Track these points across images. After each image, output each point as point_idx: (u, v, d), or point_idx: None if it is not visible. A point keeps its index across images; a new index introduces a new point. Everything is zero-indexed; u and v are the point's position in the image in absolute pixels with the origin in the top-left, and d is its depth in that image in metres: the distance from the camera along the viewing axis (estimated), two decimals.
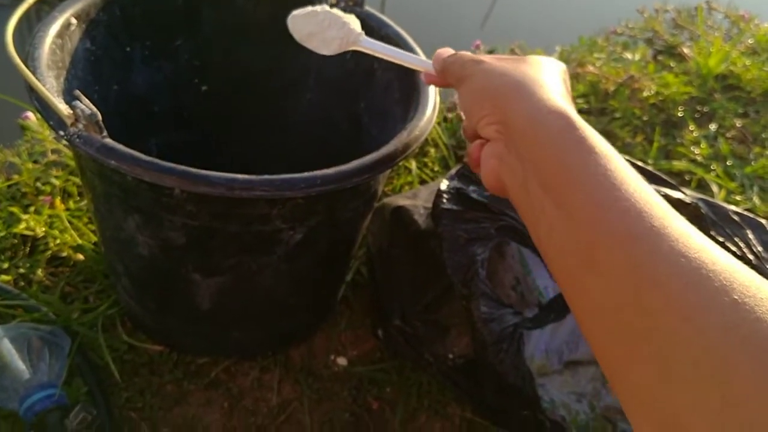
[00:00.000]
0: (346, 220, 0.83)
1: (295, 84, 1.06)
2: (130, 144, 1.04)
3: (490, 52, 1.95)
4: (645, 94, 1.73)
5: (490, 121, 0.48)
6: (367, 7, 0.95)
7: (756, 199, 1.54)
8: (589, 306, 0.37)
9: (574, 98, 1.68)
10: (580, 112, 1.65)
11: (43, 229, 1.14)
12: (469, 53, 0.55)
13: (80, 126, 0.60)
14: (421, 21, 2.52)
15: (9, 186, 1.23)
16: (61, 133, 0.60)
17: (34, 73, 0.66)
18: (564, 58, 1.92)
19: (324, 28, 0.65)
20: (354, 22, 0.65)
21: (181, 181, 0.58)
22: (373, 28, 0.92)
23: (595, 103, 1.70)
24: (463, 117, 0.55)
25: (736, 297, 0.30)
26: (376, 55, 0.65)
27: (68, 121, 0.59)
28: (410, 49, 0.88)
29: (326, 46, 0.66)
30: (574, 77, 1.78)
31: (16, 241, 1.13)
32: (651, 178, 0.99)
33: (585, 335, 0.37)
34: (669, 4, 2.41)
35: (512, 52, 1.94)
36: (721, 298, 0.30)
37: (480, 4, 2.76)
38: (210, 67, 1.03)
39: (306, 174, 0.61)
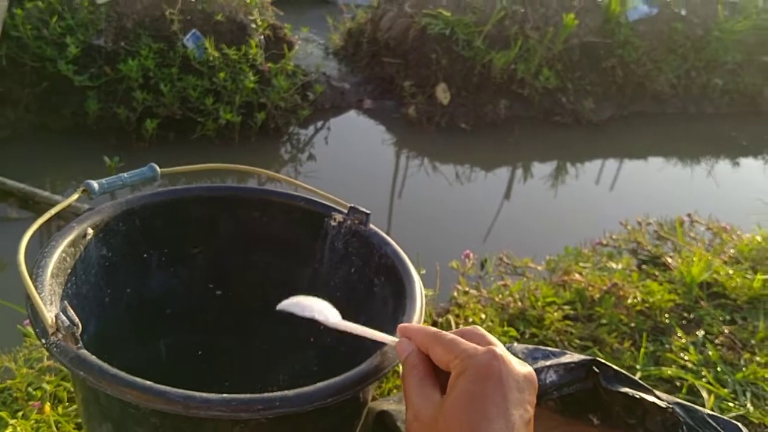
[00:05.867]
0: None
1: (304, 292, 1.08)
2: (138, 345, 1.07)
3: (482, 263, 2.04)
4: (630, 301, 1.78)
5: None
6: (372, 225, 0.99)
7: (749, 406, 1.53)
8: None
9: (561, 305, 1.74)
10: (567, 318, 1.70)
11: None
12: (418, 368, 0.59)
13: (60, 336, 0.63)
14: (422, 229, 2.66)
15: (1, 391, 1.25)
16: (43, 340, 0.63)
17: (35, 280, 0.70)
18: (551, 267, 2.01)
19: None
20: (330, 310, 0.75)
21: (140, 395, 0.61)
22: (374, 245, 0.96)
23: (582, 310, 1.74)
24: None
25: None
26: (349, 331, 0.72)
27: (50, 331, 0.63)
28: (406, 268, 0.92)
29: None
30: (561, 285, 1.85)
31: None
32: (626, 381, 1.01)
33: None
34: (651, 217, 2.54)
35: (500, 260, 2.03)
36: None
37: (476, 217, 2.92)
38: (225, 273, 1.07)
39: (264, 395, 0.62)
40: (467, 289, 1.75)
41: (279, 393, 0.63)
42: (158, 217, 0.96)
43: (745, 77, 4.63)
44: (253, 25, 3.29)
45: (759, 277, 2.00)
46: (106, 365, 0.63)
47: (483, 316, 1.62)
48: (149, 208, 0.95)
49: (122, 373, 0.62)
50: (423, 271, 1.73)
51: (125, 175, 0.91)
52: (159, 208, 0.96)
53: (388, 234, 0.99)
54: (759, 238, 2.33)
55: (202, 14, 3.18)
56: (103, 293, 0.92)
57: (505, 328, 1.59)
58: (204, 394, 0.61)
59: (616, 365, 1.00)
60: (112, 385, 0.61)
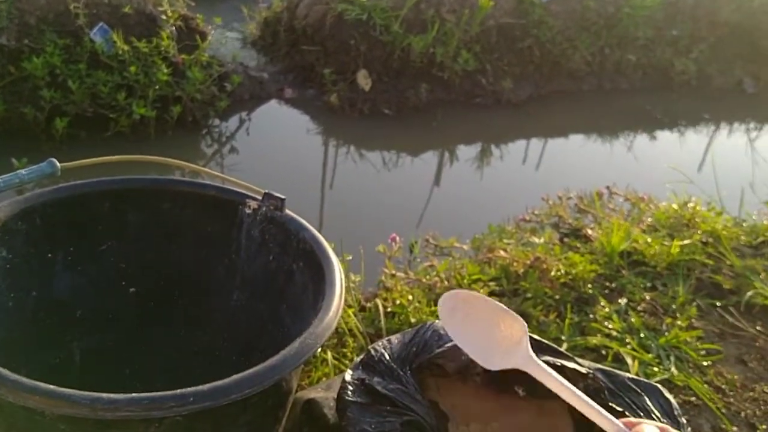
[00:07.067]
0: None
1: (221, 284, 1.07)
2: (49, 349, 1.02)
3: (411, 247, 2.04)
4: (554, 273, 1.80)
5: None
6: (288, 211, 0.97)
7: (673, 369, 1.57)
8: None
9: (487, 282, 1.75)
10: (493, 294, 1.71)
11: None
12: None
13: None
14: (352, 218, 2.64)
15: None
16: None
17: None
18: (476, 245, 2.02)
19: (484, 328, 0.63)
20: (521, 330, 0.62)
21: (43, 400, 0.57)
22: (291, 231, 0.95)
23: (507, 285, 1.76)
24: None
25: None
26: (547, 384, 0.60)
27: None
28: (324, 252, 0.89)
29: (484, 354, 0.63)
30: (486, 262, 1.86)
31: None
32: (546, 350, 1.01)
33: None
34: (571, 191, 2.59)
35: (426, 241, 2.03)
36: None
37: (405, 203, 2.91)
38: (137, 270, 1.03)
39: (177, 392, 0.59)
40: (394, 272, 1.74)
41: (192, 388, 0.61)
42: (61, 214, 0.92)
43: (657, 52, 4.77)
44: (164, 17, 3.18)
45: (676, 243, 2.06)
46: (5, 371, 0.59)
47: (410, 297, 1.61)
48: (50, 205, 0.90)
49: (23, 378, 0.58)
50: (350, 257, 1.71)
51: (23, 171, 0.87)
52: (61, 204, 0.92)
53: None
54: (675, 206, 2.40)
55: (109, 7, 3.06)
56: (6, 298, 0.88)
57: (433, 308, 1.58)
58: (111, 395, 0.58)
59: (542, 338, 1.01)
60: (13, 392, 0.57)
